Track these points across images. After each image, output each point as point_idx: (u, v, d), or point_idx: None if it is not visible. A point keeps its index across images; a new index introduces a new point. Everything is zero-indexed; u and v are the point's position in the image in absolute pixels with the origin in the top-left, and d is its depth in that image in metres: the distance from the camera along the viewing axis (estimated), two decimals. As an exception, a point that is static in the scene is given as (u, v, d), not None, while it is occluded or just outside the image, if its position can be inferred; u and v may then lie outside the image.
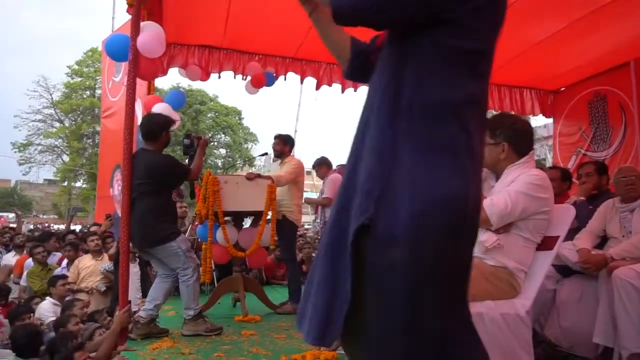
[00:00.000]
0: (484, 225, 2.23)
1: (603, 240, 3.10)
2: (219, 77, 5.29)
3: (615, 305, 2.60)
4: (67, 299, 4.22)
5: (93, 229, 6.37)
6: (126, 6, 3.53)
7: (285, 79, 5.47)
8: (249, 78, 5.30)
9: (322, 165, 5.74)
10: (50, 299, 4.21)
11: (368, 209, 1.10)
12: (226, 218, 4.38)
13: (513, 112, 5.90)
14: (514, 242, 2.27)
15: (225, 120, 30.64)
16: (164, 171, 3.77)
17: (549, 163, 10.67)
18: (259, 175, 4.49)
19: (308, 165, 5.93)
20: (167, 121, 3.92)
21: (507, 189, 2.27)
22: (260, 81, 5.28)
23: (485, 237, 2.25)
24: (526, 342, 2.20)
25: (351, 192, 1.18)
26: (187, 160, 4.19)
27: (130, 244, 3.53)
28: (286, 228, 4.62)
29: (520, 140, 2.38)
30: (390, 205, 1.08)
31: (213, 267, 5.12)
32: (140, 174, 3.58)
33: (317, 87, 5.48)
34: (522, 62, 5.02)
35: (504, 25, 1.18)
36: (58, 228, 15.22)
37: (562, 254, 2.87)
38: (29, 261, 5.36)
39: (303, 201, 5.12)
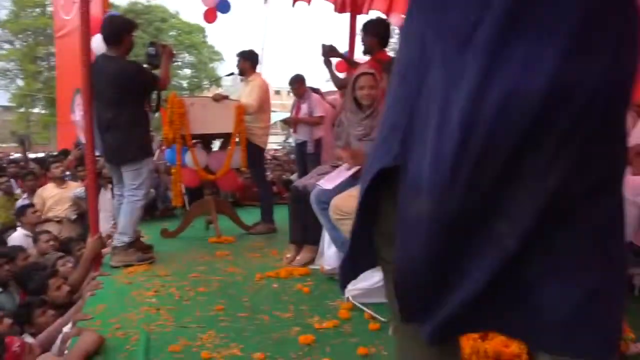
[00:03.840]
0: None
1: None
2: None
3: None
4: (36, 229, 4.18)
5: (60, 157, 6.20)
6: None
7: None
8: None
9: (299, 82, 5.49)
10: (21, 229, 4.17)
11: None
12: (194, 141, 4.30)
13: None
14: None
15: (188, 39, 29.38)
16: (132, 77, 3.50)
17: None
18: (226, 97, 4.37)
19: (277, 84, 5.76)
20: (130, 23, 3.64)
21: None
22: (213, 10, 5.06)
23: None
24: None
25: None
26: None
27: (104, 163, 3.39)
28: (254, 150, 4.55)
29: None
30: None
31: (183, 191, 5.11)
32: (105, 83, 3.36)
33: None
34: None
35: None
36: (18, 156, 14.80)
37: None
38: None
39: (280, 121, 5.01)
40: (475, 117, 0.85)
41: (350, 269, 1.18)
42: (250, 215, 4.92)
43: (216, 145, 4.91)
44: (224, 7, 5.39)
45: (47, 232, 4.06)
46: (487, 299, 0.93)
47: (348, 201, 2.64)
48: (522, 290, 0.93)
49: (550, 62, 0.82)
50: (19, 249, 3.52)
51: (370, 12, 5.30)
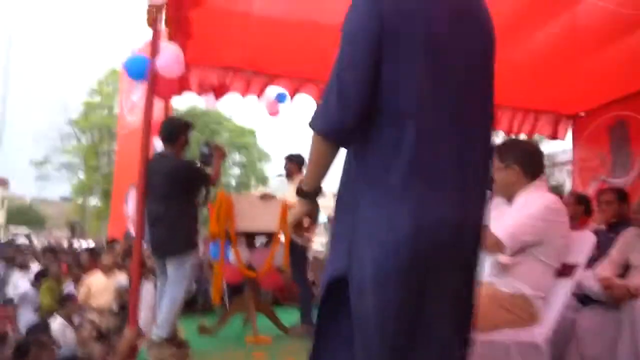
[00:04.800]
0: (496, 250, 2.19)
1: (625, 270, 3.02)
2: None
3: (638, 336, 2.51)
4: (75, 318, 4.21)
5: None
6: (146, 27, 3.59)
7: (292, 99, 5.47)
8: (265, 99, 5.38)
9: None
10: (60, 318, 4.20)
11: None
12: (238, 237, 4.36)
13: (526, 136, 5.86)
14: (531, 266, 2.22)
15: (240, 140, 30.90)
16: (185, 174, 3.66)
17: (567, 188, 10.54)
18: (273, 197, 4.47)
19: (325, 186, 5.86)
20: (186, 124, 3.88)
21: (519, 213, 2.24)
22: (274, 106, 5.39)
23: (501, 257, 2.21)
24: (545, 373, 2.13)
25: None
26: None
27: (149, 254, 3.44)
28: (296, 250, 4.57)
29: (531, 162, 2.36)
30: None
31: (224, 287, 5.09)
32: (159, 178, 3.50)
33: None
34: (537, 85, 4.99)
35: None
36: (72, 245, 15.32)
37: (582, 283, 2.79)
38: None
39: (324, 222, 5.06)
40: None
41: None
42: (290, 316, 4.80)
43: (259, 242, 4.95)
44: (282, 98, 5.69)
45: (90, 321, 4.08)
46: None
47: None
48: None
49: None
50: (51, 340, 3.53)
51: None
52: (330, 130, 1.33)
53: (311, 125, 1.37)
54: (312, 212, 1.56)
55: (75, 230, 11.09)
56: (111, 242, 7.06)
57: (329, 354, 1.36)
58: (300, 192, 1.50)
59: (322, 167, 1.41)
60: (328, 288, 1.33)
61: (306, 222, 1.57)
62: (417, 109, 1.27)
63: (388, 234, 1.21)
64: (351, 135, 1.33)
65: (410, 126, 1.26)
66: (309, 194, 1.48)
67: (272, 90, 5.32)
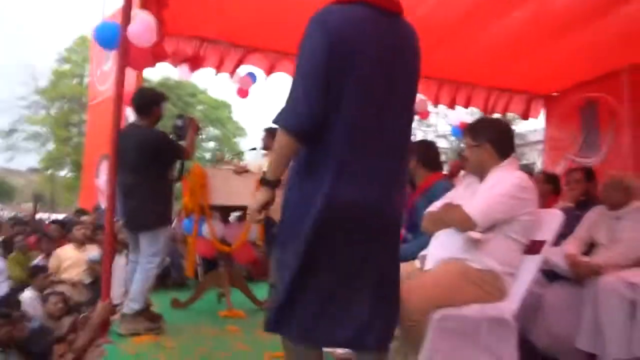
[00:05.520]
0: (468, 226, 2.23)
1: (591, 248, 3.11)
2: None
3: (600, 312, 2.60)
4: (46, 291, 4.15)
5: (83, 218, 6.25)
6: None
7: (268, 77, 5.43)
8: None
9: None
10: (31, 291, 4.14)
11: None
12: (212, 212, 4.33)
13: (500, 115, 5.95)
14: (501, 243, 2.27)
15: (214, 114, 30.46)
16: (157, 146, 3.59)
17: (538, 168, 10.76)
18: (247, 170, 4.44)
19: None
20: (159, 96, 3.81)
21: (490, 191, 2.28)
22: (247, 85, 5.36)
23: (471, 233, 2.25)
24: (512, 346, 2.20)
25: None
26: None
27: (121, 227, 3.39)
28: (271, 227, 4.55)
29: (502, 141, 2.41)
30: None
31: (198, 262, 5.07)
32: (131, 150, 3.43)
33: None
34: (512, 65, 5.04)
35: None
36: (40, 217, 15.02)
37: (550, 259, 2.87)
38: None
39: None
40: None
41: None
42: (263, 291, 4.82)
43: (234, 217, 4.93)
44: (253, 78, 5.69)
45: (58, 293, 4.02)
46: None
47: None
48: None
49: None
50: (21, 314, 3.48)
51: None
52: (297, 127, 1.61)
53: (278, 122, 1.64)
54: (272, 200, 1.75)
55: (38, 202, 10.76)
56: (77, 213, 6.92)
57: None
58: (263, 181, 1.73)
59: (284, 159, 1.68)
60: (276, 242, 1.80)
61: (267, 209, 1.76)
62: (345, 117, 1.61)
63: (308, 207, 1.62)
64: (311, 132, 1.61)
65: (337, 132, 1.61)
66: (272, 182, 1.72)
67: (244, 69, 5.30)
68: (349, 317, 1.66)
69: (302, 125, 1.61)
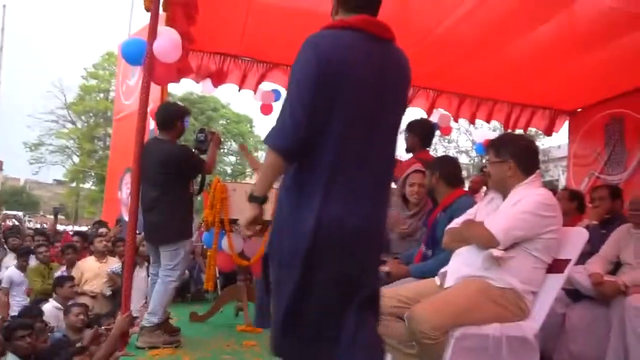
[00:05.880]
0: (490, 244, 2.20)
1: (616, 267, 3.04)
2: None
3: (627, 333, 2.53)
4: (69, 302, 4.20)
5: (101, 230, 6.36)
6: (144, 10, 3.54)
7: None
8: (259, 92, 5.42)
9: None
10: (54, 302, 4.18)
11: None
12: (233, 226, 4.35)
13: (523, 132, 5.89)
14: (523, 261, 2.23)
15: (236, 128, 30.78)
16: (179, 160, 3.62)
17: (562, 184, 10.58)
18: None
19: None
20: (182, 110, 3.86)
21: (513, 208, 2.24)
22: (269, 104, 5.41)
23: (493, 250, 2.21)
24: (534, 367, 2.15)
25: None
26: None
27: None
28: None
29: (526, 158, 2.38)
30: None
31: (217, 275, 5.09)
32: (154, 164, 3.48)
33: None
34: (535, 81, 4.99)
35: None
36: (64, 229, 15.28)
37: (573, 278, 2.81)
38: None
39: None
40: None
41: None
42: (281, 305, 4.80)
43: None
44: (276, 94, 5.74)
45: (80, 305, 4.06)
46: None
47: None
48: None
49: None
50: (44, 325, 3.53)
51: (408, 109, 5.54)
52: (283, 147, 1.68)
53: (267, 142, 1.72)
54: (261, 216, 1.83)
55: (58, 214, 10.92)
56: (96, 225, 6.98)
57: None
58: (250, 198, 1.81)
59: (271, 176, 1.78)
60: (264, 260, 1.86)
61: (256, 224, 1.87)
62: (334, 137, 1.68)
63: (299, 227, 1.67)
64: (298, 153, 1.68)
65: (326, 151, 1.68)
66: (259, 198, 1.80)
67: (268, 86, 5.37)
68: (339, 335, 1.71)
69: (288, 145, 1.68)
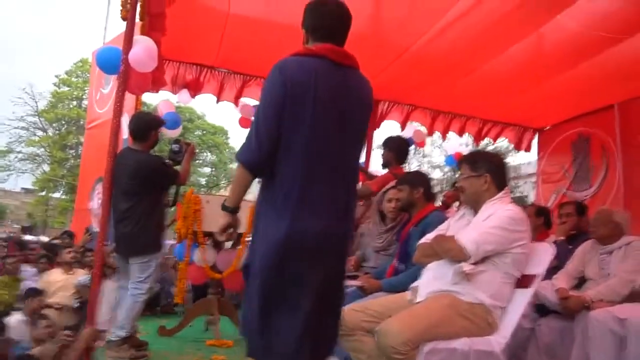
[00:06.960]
0: (460, 257, 2.24)
1: (581, 282, 3.11)
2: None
3: (589, 346, 2.59)
4: (35, 315, 4.07)
5: (67, 242, 6.18)
6: (120, 18, 3.51)
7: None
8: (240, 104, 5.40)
9: None
10: (19, 316, 4.05)
11: None
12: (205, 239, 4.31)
13: (493, 144, 6.06)
14: (492, 276, 2.27)
15: (212, 139, 30.56)
16: (152, 171, 3.58)
17: (531, 200, 10.79)
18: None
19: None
20: (157, 120, 3.83)
21: (485, 223, 2.29)
22: (250, 115, 5.41)
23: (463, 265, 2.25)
24: (501, 381, 2.18)
25: None
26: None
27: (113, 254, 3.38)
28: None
29: (501, 173, 2.47)
30: None
31: (188, 288, 5.02)
32: (126, 174, 3.43)
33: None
34: (505, 98, 5.13)
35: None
36: (31, 238, 14.86)
37: (540, 293, 2.87)
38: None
39: None
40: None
41: None
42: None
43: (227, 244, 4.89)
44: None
45: (47, 318, 3.95)
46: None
47: (351, 315, 2.42)
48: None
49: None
50: (6, 339, 3.42)
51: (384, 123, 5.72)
52: (249, 162, 1.89)
53: (237, 157, 1.92)
54: (234, 223, 2.01)
55: (27, 226, 10.54)
56: (63, 235, 6.79)
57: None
58: (224, 207, 1.99)
59: (241, 188, 1.96)
60: (244, 271, 1.99)
61: (229, 231, 2.05)
62: (299, 152, 1.85)
63: (272, 237, 1.84)
64: (263, 168, 1.89)
65: (292, 165, 1.85)
66: (230, 209, 1.99)
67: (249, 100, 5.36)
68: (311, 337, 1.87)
69: (253, 160, 1.88)
